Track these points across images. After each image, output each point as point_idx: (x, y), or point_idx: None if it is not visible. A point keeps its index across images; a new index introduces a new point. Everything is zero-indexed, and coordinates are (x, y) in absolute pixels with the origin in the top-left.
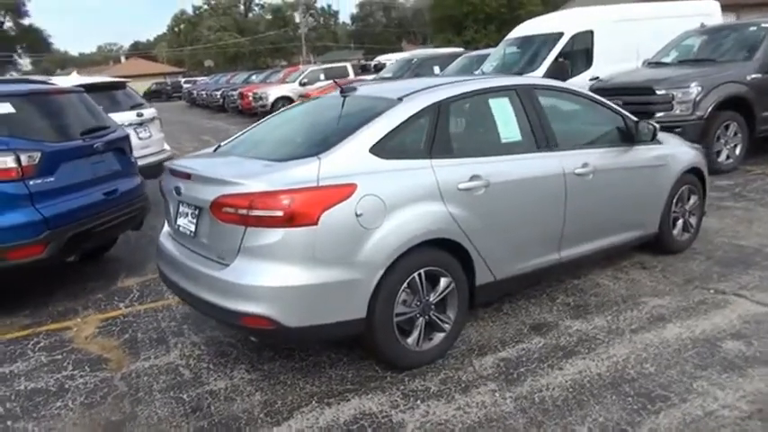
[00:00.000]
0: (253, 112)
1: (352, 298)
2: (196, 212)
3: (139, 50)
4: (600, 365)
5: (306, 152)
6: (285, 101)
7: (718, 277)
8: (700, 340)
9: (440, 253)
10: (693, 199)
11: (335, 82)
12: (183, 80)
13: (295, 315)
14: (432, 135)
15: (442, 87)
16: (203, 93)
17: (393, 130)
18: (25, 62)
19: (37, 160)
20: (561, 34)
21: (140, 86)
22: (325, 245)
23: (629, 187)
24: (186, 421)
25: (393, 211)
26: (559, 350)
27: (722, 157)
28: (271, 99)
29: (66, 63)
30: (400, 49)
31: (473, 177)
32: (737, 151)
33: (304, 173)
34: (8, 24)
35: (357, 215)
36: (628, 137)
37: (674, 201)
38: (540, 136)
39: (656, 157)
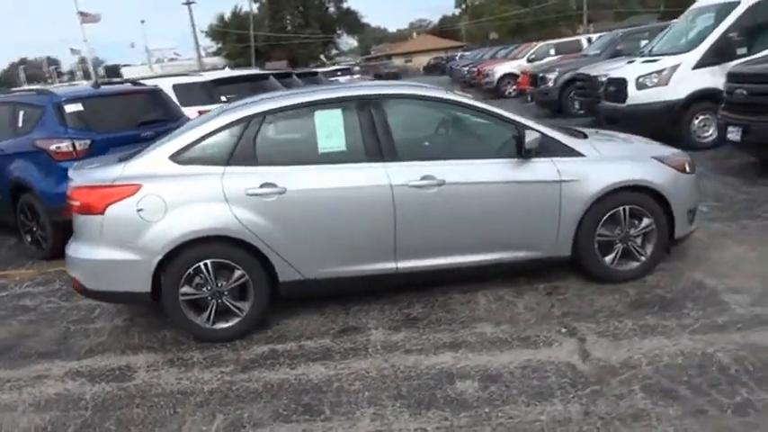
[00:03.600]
0: (486, 89)
1: (135, 275)
2: None
3: (444, 26)
4: (322, 374)
5: (129, 157)
6: (511, 78)
7: (601, 317)
8: (446, 373)
9: (231, 248)
10: (645, 222)
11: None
12: (458, 55)
13: (91, 281)
14: (234, 145)
15: (266, 101)
16: (458, 68)
17: (196, 140)
18: (344, 41)
19: (88, 146)
20: (736, 4)
21: (423, 61)
22: (109, 230)
23: (504, 204)
24: (56, 344)
25: (174, 209)
26: (322, 353)
27: None
28: (496, 76)
29: (384, 39)
30: None
31: (265, 185)
32: None
33: (108, 174)
34: (331, 9)
35: (138, 210)
36: (520, 149)
37: (600, 222)
38: (371, 147)
39: (558, 171)
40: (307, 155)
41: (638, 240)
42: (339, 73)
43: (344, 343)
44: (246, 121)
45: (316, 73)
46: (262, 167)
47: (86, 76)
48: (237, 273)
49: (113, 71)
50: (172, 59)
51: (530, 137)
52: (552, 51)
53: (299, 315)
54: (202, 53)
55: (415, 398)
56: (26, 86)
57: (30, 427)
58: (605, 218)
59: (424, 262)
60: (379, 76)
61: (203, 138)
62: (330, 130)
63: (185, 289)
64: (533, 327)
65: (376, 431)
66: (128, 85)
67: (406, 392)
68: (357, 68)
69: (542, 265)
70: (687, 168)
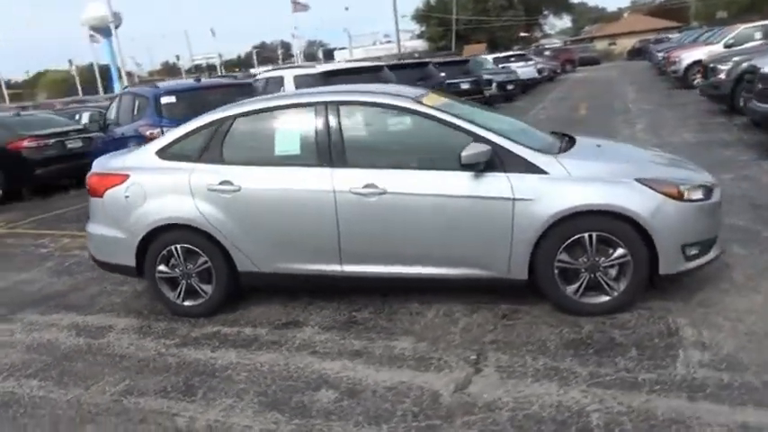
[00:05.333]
0: (674, 78)
1: (124, 250)
2: None
3: (671, 4)
4: (228, 360)
5: (133, 150)
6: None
7: (524, 351)
8: (322, 380)
9: (196, 236)
10: (619, 252)
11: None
12: (666, 37)
13: (97, 252)
14: (205, 144)
15: (240, 105)
16: (655, 53)
17: (177, 138)
18: (551, 22)
19: None
20: None
21: (629, 44)
22: (107, 211)
23: (448, 218)
24: (86, 299)
25: (151, 198)
26: (248, 342)
27: None
28: (683, 64)
29: (600, 19)
30: None
31: (223, 182)
32: None
33: (112, 164)
34: None
35: (125, 196)
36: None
37: (561, 248)
38: (322, 152)
39: (512, 188)
40: (265, 157)
41: (612, 272)
42: (513, 59)
43: (273, 335)
44: (218, 123)
45: (466, 61)
46: (225, 166)
47: (307, 58)
48: (202, 259)
49: (329, 54)
50: (383, 43)
51: (470, 150)
52: (758, 35)
53: (268, 303)
54: (407, 36)
55: (275, 398)
56: (259, 68)
57: (9, 363)
58: (567, 243)
59: (368, 268)
60: (570, 62)
61: (183, 136)
62: (287, 134)
63: (161, 267)
64: (448, 349)
65: (215, 420)
66: (223, 80)
67: (271, 391)
68: (547, 53)
69: (500, 286)
70: (686, 195)
